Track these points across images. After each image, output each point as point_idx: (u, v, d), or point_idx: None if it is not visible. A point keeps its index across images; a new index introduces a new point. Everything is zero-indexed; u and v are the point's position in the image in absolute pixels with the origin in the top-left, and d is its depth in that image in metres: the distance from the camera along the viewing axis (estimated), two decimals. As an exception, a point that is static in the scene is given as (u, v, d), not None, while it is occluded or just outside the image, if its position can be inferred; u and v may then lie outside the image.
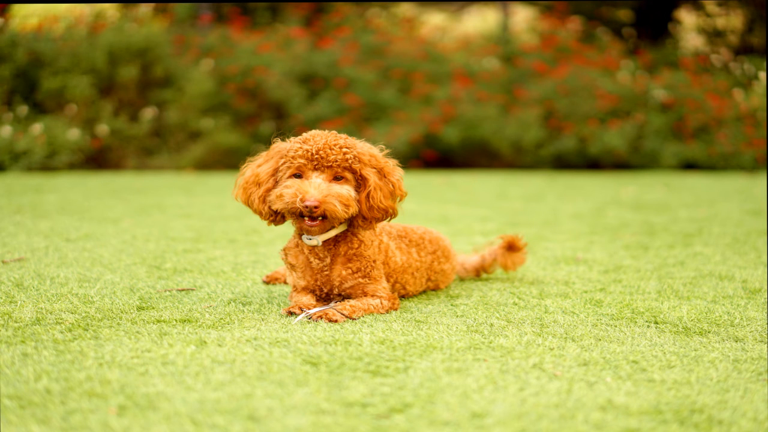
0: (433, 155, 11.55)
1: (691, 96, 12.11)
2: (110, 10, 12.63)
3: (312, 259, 3.11)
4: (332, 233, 3.06)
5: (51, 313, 2.93)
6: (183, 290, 3.41)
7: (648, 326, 2.96)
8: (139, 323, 2.84)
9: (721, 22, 16.13)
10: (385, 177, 3.05)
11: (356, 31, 12.74)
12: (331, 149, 2.96)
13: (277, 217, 3.04)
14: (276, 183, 3.02)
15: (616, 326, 2.94)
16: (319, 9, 13.55)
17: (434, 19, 16.82)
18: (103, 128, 10.65)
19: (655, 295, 3.48)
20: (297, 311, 2.98)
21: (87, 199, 7.12)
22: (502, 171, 11.50)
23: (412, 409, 2.08)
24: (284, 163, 2.99)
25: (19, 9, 13.05)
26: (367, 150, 3.05)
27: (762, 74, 12.46)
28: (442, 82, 12.17)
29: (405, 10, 16.17)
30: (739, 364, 2.51)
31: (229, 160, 10.85)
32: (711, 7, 16.11)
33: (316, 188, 2.90)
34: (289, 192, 2.91)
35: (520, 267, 3.89)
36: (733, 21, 16.09)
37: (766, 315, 3.15)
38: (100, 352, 2.48)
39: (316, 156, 2.94)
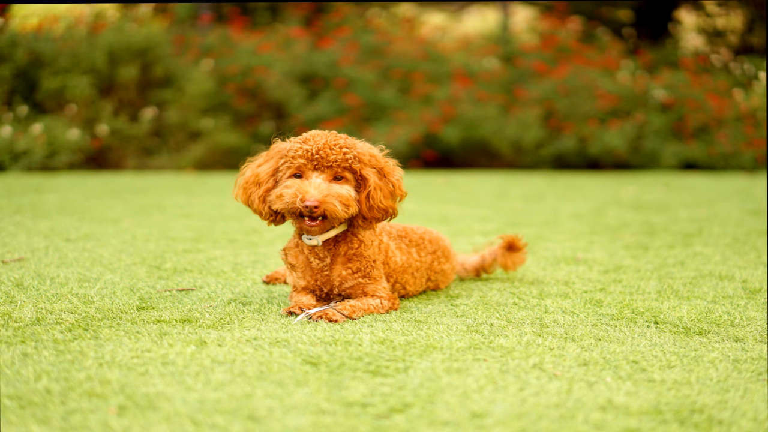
0: (433, 155, 11.55)
1: (691, 96, 12.11)
2: (110, 10, 12.63)
3: (312, 259, 3.11)
4: (332, 233, 3.06)
5: (51, 313, 2.93)
6: (183, 290, 3.41)
7: (648, 326, 2.96)
8: (139, 323, 2.84)
9: (721, 22, 16.13)
10: (385, 177, 3.05)
11: (356, 31, 12.74)
12: (331, 149, 2.96)
13: (277, 217, 3.05)
14: (276, 183, 3.02)
15: (616, 326, 2.94)
16: (319, 9, 13.55)
17: (434, 19, 16.82)
18: (103, 128, 10.65)
19: (655, 295, 3.48)
20: (297, 311, 2.98)
21: (87, 199, 7.12)
22: (502, 171, 11.50)
23: (412, 409, 2.08)
24: (284, 163, 2.99)
25: (19, 9, 13.05)
26: (367, 150, 3.05)
27: (762, 74, 12.46)
28: (442, 82, 12.17)
29: (405, 10, 16.17)
30: (739, 364, 2.52)
31: (229, 160, 10.85)
32: (711, 7, 16.11)
33: (316, 188, 2.90)
34: (289, 192, 2.91)
35: (520, 267, 3.89)
36: (733, 21, 16.09)
37: (766, 315, 3.15)
38: (100, 352, 2.48)
39: (316, 156, 2.94)
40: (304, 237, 3.06)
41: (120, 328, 2.76)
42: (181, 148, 11.06)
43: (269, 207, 3.01)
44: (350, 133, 3.13)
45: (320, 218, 2.95)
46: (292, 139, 3.07)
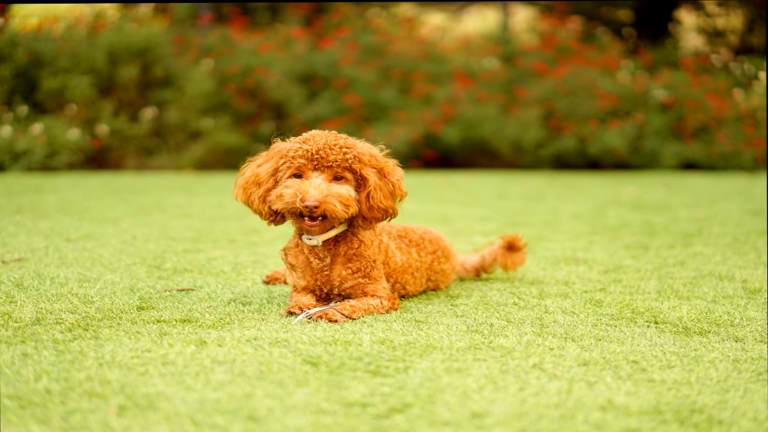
0: (433, 155, 11.55)
1: (691, 96, 12.11)
2: (110, 10, 12.64)
3: (312, 259, 3.11)
4: (332, 233, 3.06)
5: (51, 313, 2.93)
6: (183, 290, 3.41)
7: (648, 326, 2.96)
8: (139, 323, 2.84)
9: (721, 22, 16.13)
10: (385, 177, 3.05)
11: (356, 31, 12.74)
12: (331, 149, 2.96)
13: (277, 217, 3.05)
14: (276, 183, 3.02)
15: (616, 326, 2.94)
16: (319, 9, 13.55)
17: (434, 19, 16.82)
18: (103, 128, 10.65)
19: (655, 295, 3.48)
20: (297, 311, 2.98)
21: (87, 199, 7.12)
22: (502, 171, 11.50)
23: (412, 409, 2.08)
24: (284, 163, 3.00)
25: (19, 9, 13.05)
26: (367, 150, 3.05)
27: (762, 74, 12.46)
28: (442, 82, 12.17)
29: (405, 10, 16.17)
30: (739, 364, 2.52)
31: (229, 160, 10.85)
32: (711, 7, 16.11)
33: (316, 188, 2.90)
34: (289, 192, 2.91)
35: (520, 267, 3.89)
36: (733, 21, 16.09)
37: (766, 315, 3.15)
38: (100, 352, 2.48)
39: (316, 156, 2.94)
40: (304, 237, 3.06)
41: (120, 328, 2.76)
42: (181, 148, 11.06)
43: (269, 207, 3.01)
44: (350, 133, 3.13)
45: (320, 218, 2.95)
46: (292, 139, 3.07)
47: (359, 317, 2.98)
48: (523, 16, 16.35)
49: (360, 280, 3.10)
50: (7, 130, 9.97)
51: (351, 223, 3.06)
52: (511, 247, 3.81)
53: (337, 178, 2.98)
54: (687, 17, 16.38)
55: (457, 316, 3.05)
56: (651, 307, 3.23)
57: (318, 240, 3.04)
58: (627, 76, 12.58)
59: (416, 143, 11.28)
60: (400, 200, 3.10)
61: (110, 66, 10.97)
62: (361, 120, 11.59)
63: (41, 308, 2.99)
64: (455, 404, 2.12)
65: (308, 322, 2.87)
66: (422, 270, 3.40)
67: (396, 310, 3.15)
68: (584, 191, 8.80)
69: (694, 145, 11.76)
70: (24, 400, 2.08)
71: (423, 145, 11.42)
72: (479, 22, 17.29)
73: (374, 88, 11.82)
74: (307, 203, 2.88)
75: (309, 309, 2.99)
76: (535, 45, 13.58)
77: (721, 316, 3.10)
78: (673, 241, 5.08)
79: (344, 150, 2.97)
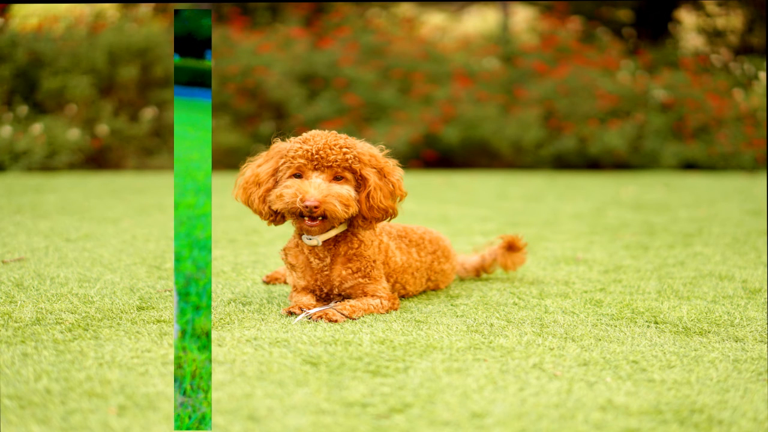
0: (433, 155, 11.55)
1: (691, 96, 12.11)
2: (110, 10, 12.64)
3: (312, 259, 3.11)
4: (332, 233, 3.06)
5: (51, 313, 2.93)
6: (183, 290, 3.41)
7: (648, 326, 2.96)
8: (139, 323, 2.84)
9: (721, 22, 16.13)
10: (385, 177, 3.05)
11: (356, 31, 12.74)
12: (331, 149, 2.96)
13: (277, 217, 3.05)
14: (276, 183, 3.02)
15: (616, 326, 2.94)
16: (319, 9, 13.55)
17: (434, 19, 16.82)
18: (103, 128, 10.65)
19: (655, 295, 3.48)
20: (297, 311, 2.98)
21: (87, 199, 7.12)
22: (502, 171, 11.50)
23: (412, 409, 2.08)
24: (284, 163, 3.00)
25: (19, 9, 13.05)
26: (367, 150, 3.05)
27: (762, 74, 12.46)
28: (442, 82, 12.17)
29: (405, 10, 16.17)
30: (739, 364, 2.52)
31: (229, 160, 10.86)
32: (711, 7, 16.11)
33: (316, 188, 2.90)
34: (289, 192, 2.91)
35: (520, 267, 3.89)
36: (733, 21, 16.09)
37: (766, 315, 3.15)
38: (100, 352, 2.48)
39: (316, 156, 2.94)
40: (304, 237, 3.06)
41: (120, 328, 2.76)
42: (181, 148, 11.06)
43: (269, 207, 3.01)
44: (350, 133, 3.13)
45: (320, 218, 2.95)
46: (292, 139, 3.07)
47: (359, 317, 2.98)
48: (523, 16, 16.35)
49: (360, 280, 3.10)
50: (7, 130, 9.97)
51: (351, 223, 3.06)
52: (511, 247, 3.81)
53: (337, 178, 2.98)
54: (687, 17, 16.37)
55: (457, 316, 3.05)
56: (651, 307, 3.23)
57: (318, 240, 3.04)
58: (627, 76, 12.58)
59: (416, 143, 11.28)
60: (400, 200, 3.10)
61: (110, 66, 10.97)
62: (361, 120, 11.59)
63: (41, 308, 2.99)
64: (455, 404, 2.12)
65: (308, 322, 2.87)
66: (422, 270, 3.40)
67: (396, 310, 3.15)
68: (584, 191, 8.80)
69: (694, 145, 11.76)
70: (24, 400, 2.08)
71: (423, 145, 11.42)
72: (479, 22, 17.29)
73: (374, 88, 11.82)
74: (307, 203, 2.88)
75: (309, 309, 2.99)
76: (535, 45, 13.58)
77: (721, 316, 3.10)
78: (673, 241, 5.08)
79: (344, 150, 2.97)
